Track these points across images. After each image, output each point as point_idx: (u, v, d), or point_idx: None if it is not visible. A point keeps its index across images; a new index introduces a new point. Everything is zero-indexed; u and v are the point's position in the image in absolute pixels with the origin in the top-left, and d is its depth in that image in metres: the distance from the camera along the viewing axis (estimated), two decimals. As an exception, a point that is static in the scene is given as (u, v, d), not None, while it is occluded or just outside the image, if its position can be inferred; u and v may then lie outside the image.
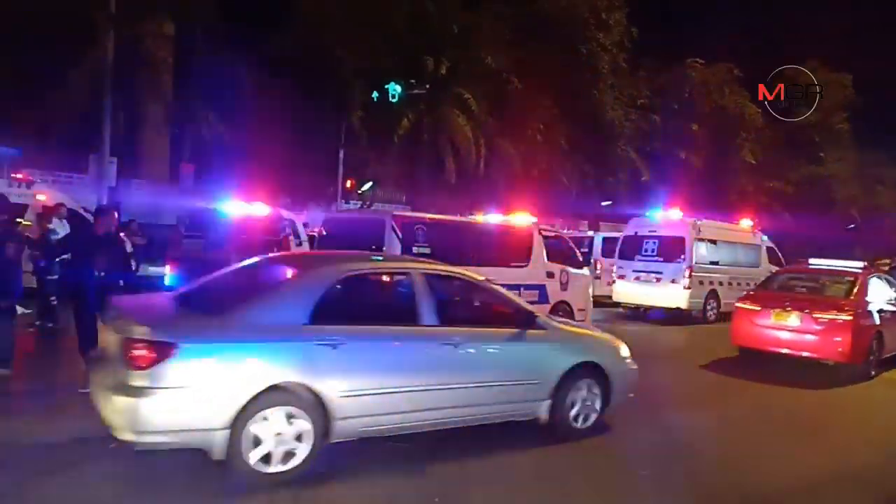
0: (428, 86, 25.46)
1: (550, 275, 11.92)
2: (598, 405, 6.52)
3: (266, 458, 4.80)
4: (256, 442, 4.76)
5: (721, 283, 17.10)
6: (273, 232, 11.38)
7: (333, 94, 25.22)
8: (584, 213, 37.17)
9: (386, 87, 22.48)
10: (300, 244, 12.91)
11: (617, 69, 34.63)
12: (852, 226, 48.65)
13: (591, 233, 25.22)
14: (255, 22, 24.88)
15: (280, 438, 4.84)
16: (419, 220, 10.40)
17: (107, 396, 4.67)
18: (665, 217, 17.66)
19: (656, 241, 17.08)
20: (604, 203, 36.96)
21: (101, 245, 7.16)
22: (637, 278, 16.92)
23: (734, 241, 18.40)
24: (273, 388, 4.80)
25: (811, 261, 12.84)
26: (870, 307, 10.70)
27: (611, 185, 36.00)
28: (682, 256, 16.41)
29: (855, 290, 10.71)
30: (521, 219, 12.96)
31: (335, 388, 5.00)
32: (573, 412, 6.36)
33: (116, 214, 7.91)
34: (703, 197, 32.43)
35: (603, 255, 19.78)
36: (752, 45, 42.91)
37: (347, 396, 5.06)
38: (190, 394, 4.56)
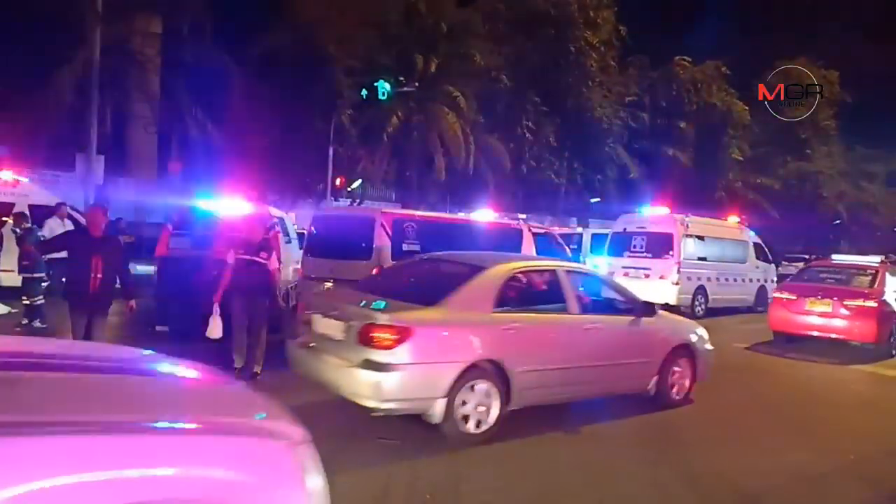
0: (417, 83, 25.45)
1: (540, 271, 11.97)
2: (687, 380, 7.72)
3: (467, 422, 5.83)
4: (463, 408, 5.78)
5: (709, 279, 17.22)
6: (262, 230, 11.32)
7: (323, 91, 25.15)
8: (573, 209, 37.30)
9: (375, 84, 22.44)
10: (289, 242, 12.88)
11: (605, 67, 34.77)
12: (838, 221, 49.05)
13: (579, 229, 25.30)
14: (244, 19, 24.78)
15: (479, 406, 5.88)
16: (409, 218, 10.40)
17: (348, 372, 5.63)
18: (653, 214, 17.76)
19: (645, 237, 17.16)
20: (592, 200, 37.12)
21: (99, 246, 6.80)
22: (626, 274, 16.98)
23: (722, 237, 18.53)
24: (474, 365, 5.84)
25: (834, 256, 15.01)
26: (886, 296, 12.19)
27: (599, 182, 36.16)
28: (671, 252, 16.50)
29: (877, 281, 12.29)
30: (510, 216, 13.01)
31: (515, 364, 6.03)
32: (673, 386, 7.56)
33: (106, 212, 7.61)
34: (691, 193, 32.61)
35: (592, 252, 19.86)
36: (740, 44, 43.27)
37: (524, 372, 6.10)
38: (420, 369, 5.61)
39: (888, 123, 46.79)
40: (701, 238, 17.44)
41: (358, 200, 30.60)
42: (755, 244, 19.70)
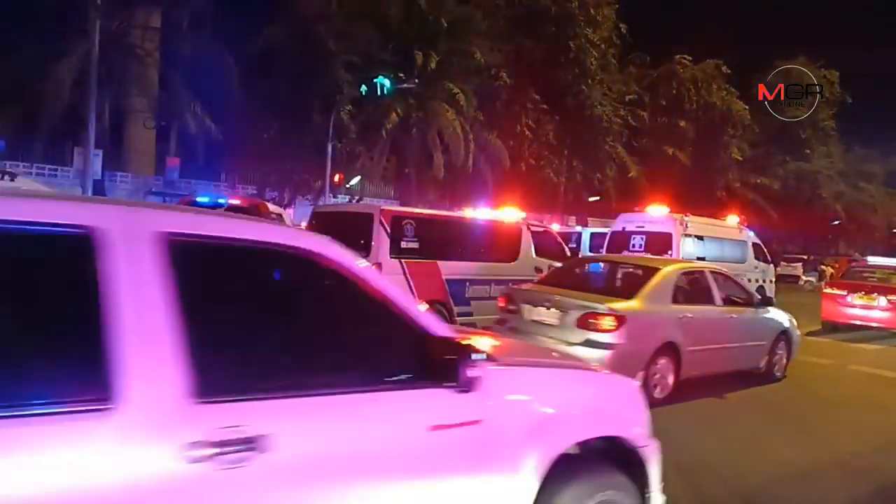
0: (417, 80, 25.40)
1: (538, 270, 11.92)
2: (785, 359, 9.60)
3: (654, 389, 7.33)
4: (653, 378, 7.35)
5: (708, 279, 17.21)
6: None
7: (322, 87, 25.08)
8: (573, 208, 37.28)
9: (375, 80, 22.40)
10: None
11: (606, 65, 34.73)
12: (837, 222, 49.09)
13: (578, 228, 25.27)
14: (244, 14, 24.69)
15: (661, 376, 7.48)
16: (407, 215, 10.36)
17: (568, 350, 6.63)
18: (652, 213, 17.71)
19: (644, 236, 17.09)
20: (592, 198, 37.11)
21: None
22: (625, 273, 16.97)
23: (721, 236, 18.48)
24: (662, 345, 7.46)
25: (869, 259, 18.16)
26: None
27: (599, 181, 36.13)
28: (670, 252, 16.46)
29: None
30: (510, 214, 12.97)
31: (685, 345, 7.67)
32: (775, 364, 9.44)
33: None
34: (690, 193, 32.64)
35: (590, 251, 19.83)
36: (741, 43, 43.25)
37: (690, 351, 7.71)
38: (630, 347, 7.06)
39: (887, 124, 46.89)
40: (700, 238, 17.39)
41: (357, 197, 30.58)
42: (754, 244, 19.67)
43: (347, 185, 30.68)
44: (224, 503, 1.96)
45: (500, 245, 11.70)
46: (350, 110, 26.35)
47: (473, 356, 2.47)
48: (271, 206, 13.40)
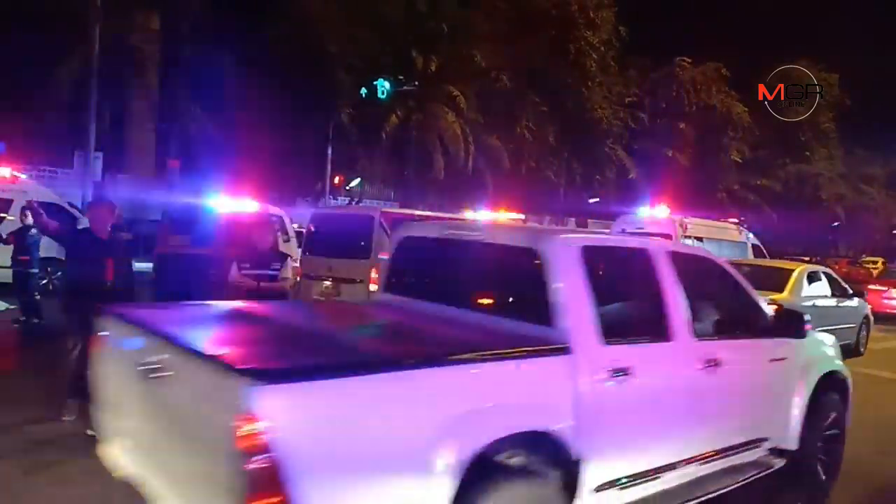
0: (417, 83, 25.45)
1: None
2: (866, 338, 12.60)
3: None
4: None
5: (707, 281, 17.22)
6: (272, 233, 11.30)
7: (322, 89, 25.12)
8: (572, 210, 37.29)
9: (375, 83, 22.45)
10: (288, 240, 12.86)
11: (605, 67, 34.73)
12: (837, 224, 49.07)
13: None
14: (244, 16, 24.72)
15: None
16: (407, 217, 10.36)
17: None
18: (652, 215, 17.72)
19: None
20: (591, 200, 37.11)
21: (108, 249, 5.73)
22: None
23: (720, 238, 18.48)
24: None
25: None
26: None
27: (598, 183, 36.14)
28: (669, 254, 16.50)
29: None
30: (510, 216, 12.95)
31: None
32: (861, 341, 12.35)
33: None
34: (689, 195, 32.61)
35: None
36: (740, 45, 43.28)
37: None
38: None
39: (888, 126, 46.84)
40: (700, 239, 17.39)
41: (357, 199, 30.61)
42: (753, 246, 19.68)
43: (347, 187, 30.74)
44: (616, 404, 3.47)
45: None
46: (350, 112, 26.41)
47: (805, 318, 4.70)
48: (272, 208, 13.39)
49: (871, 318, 13.38)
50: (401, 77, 24.76)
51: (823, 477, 5.06)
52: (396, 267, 4.77)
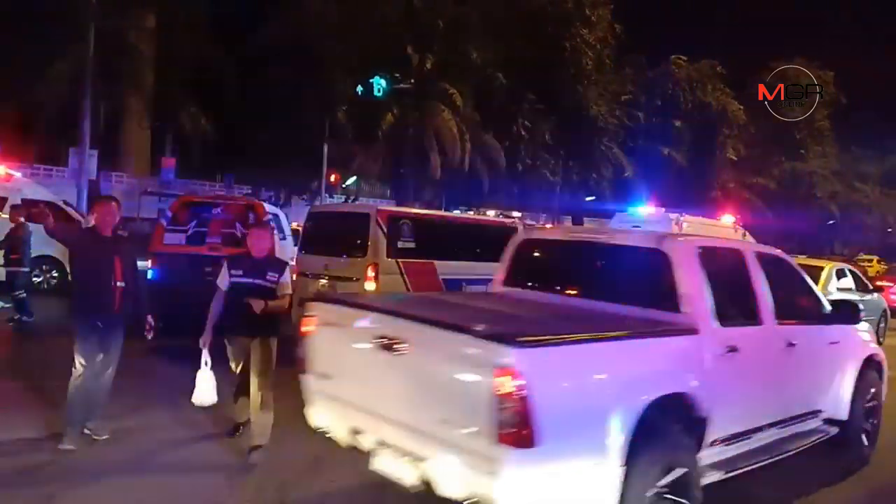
0: (413, 81, 25.41)
1: (535, 270, 11.95)
2: (885, 330, 13.19)
3: None
4: None
5: (703, 279, 17.24)
6: (269, 238, 11.25)
7: (318, 87, 25.08)
8: (569, 208, 37.31)
9: (371, 81, 22.38)
10: (284, 239, 12.82)
11: (601, 65, 34.74)
12: (832, 222, 49.22)
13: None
14: (239, 14, 24.68)
15: None
16: (404, 215, 10.34)
17: None
18: (648, 213, 17.74)
19: (640, 236, 17.17)
20: (587, 198, 37.14)
21: (114, 248, 5.45)
22: (620, 273, 16.98)
23: (716, 236, 18.53)
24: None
25: None
26: None
27: (595, 181, 36.17)
28: (665, 252, 16.51)
29: None
30: (508, 215, 12.95)
31: None
32: (880, 333, 12.39)
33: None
34: (685, 193, 32.68)
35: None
36: (735, 43, 43.35)
37: None
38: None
39: (882, 125, 47.00)
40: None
41: (353, 197, 30.59)
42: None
43: (343, 185, 30.72)
44: (728, 375, 4.34)
45: (496, 245, 11.68)
46: (346, 110, 26.37)
47: (861, 307, 5.88)
48: (267, 207, 13.36)
49: (888, 312, 14.57)
50: (397, 75, 24.68)
51: (866, 443, 6.03)
52: (516, 265, 5.77)
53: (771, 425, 4.88)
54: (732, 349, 4.37)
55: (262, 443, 5.19)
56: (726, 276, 4.83)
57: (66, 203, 15.20)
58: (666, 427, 3.81)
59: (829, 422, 5.59)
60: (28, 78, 20.10)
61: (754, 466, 4.65)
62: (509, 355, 3.14)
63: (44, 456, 5.06)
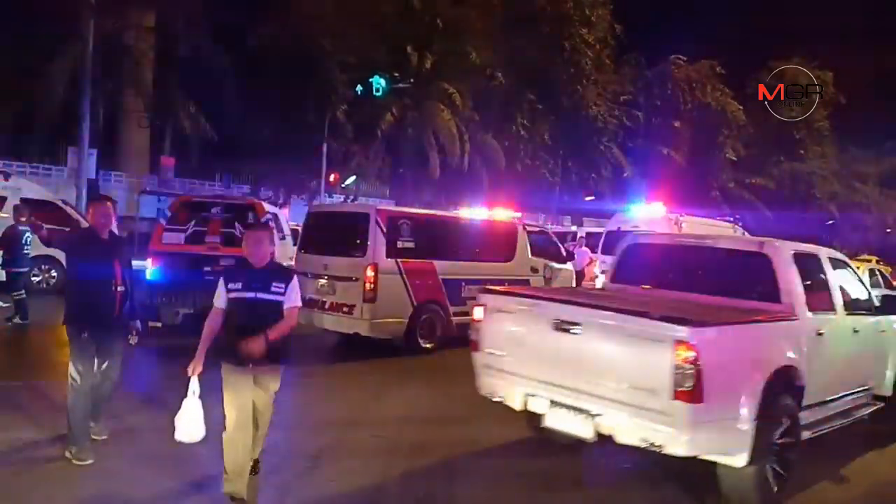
0: (412, 80, 25.40)
1: (534, 270, 11.92)
2: None
3: None
4: None
5: (702, 279, 17.25)
6: (269, 241, 11.23)
7: (317, 86, 25.07)
8: (568, 208, 37.31)
9: (370, 80, 22.37)
10: (283, 238, 12.81)
11: (600, 65, 34.76)
12: (831, 222, 49.23)
13: (574, 228, 25.31)
14: (239, 13, 24.64)
15: None
16: (403, 215, 10.33)
17: None
18: (647, 213, 17.73)
19: (639, 236, 17.17)
20: (587, 198, 37.15)
21: (112, 250, 5.24)
22: (620, 273, 16.96)
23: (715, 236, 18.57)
24: None
25: None
26: None
27: (594, 181, 36.18)
28: (665, 252, 16.51)
29: None
30: (505, 214, 12.95)
31: None
32: None
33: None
34: (684, 192, 32.68)
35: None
36: (734, 43, 43.37)
37: None
38: None
39: (881, 125, 47.02)
40: (695, 237, 17.46)
41: (352, 197, 30.57)
42: (749, 244, 19.77)
43: (343, 185, 30.68)
44: (817, 354, 5.28)
45: (496, 245, 11.68)
46: (345, 110, 26.37)
47: None
48: (267, 206, 13.36)
49: None
50: (396, 74, 24.68)
51: None
52: (625, 264, 6.72)
53: (842, 396, 6.03)
54: (819, 333, 5.48)
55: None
56: (810, 274, 5.81)
57: (64, 202, 15.17)
58: (781, 391, 4.85)
59: (876, 397, 6.67)
60: (27, 77, 20.08)
61: (831, 429, 5.74)
62: (686, 333, 4.18)
63: (42, 456, 5.05)
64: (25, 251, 10.42)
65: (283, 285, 4.37)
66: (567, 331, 4.80)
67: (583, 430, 4.77)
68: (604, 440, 4.70)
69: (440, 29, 27.83)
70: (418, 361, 9.57)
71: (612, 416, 4.55)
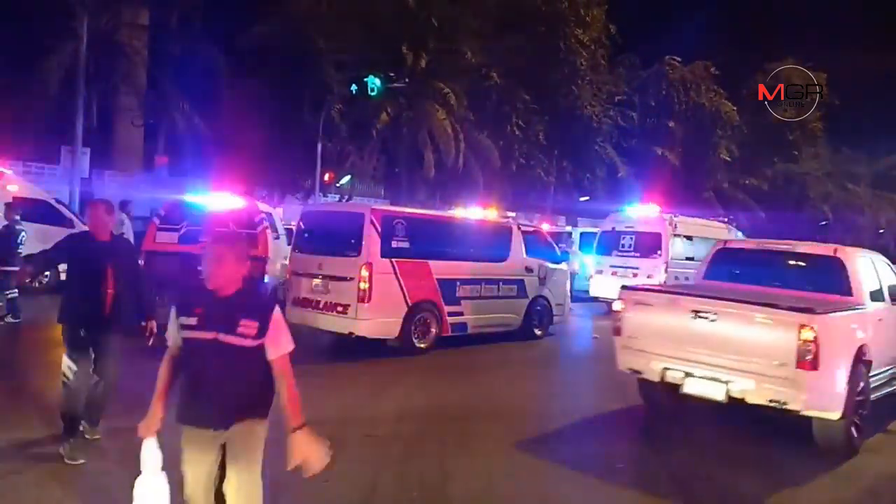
0: (407, 80, 25.35)
1: (529, 269, 11.94)
2: None
3: None
4: None
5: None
6: (250, 225, 11.24)
7: (312, 85, 25.01)
8: (563, 208, 37.33)
9: (365, 80, 22.32)
10: (278, 238, 12.79)
11: (595, 66, 34.77)
12: (824, 223, 49.41)
13: (568, 228, 25.33)
14: (233, 12, 24.59)
15: None
16: (398, 215, 10.34)
17: None
18: (642, 213, 17.77)
19: (633, 236, 17.19)
20: (581, 198, 37.19)
21: (109, 253, 5.20)
22: (614, 273, 17.01)
23: (709, 237, 18.54)
24: None
25: None
26: None
27: (588, 181, 36.21)
28: (659, 252, 16.55)
29: None
30: (500, 214, 12.96)
31: None
32: None
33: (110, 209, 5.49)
34: (679, 193, 32.75)
35: (581, 250, 19.90)
36: (729, 45, 43.47)
37: None
38: None
39: (874, 126, 47.18)
40: (689, 238, 17.49)
41: (346, 196, 30.51)
42: (743, 244, 19.80)
43: (337, 185, 30.62)
44: (877, 335, 6.81)
45: (490, 245, 11.70)
46: (340, 109, 26.29)
47: None
48: (261, 206, 13.32)
49: None
50: (391, 74, 24.61)
51: None
52: (715, 265, 8.27)
53: (889, 369, 7.36)
54: (879, 319, 6.97)
55: None
56: (869, 272, 7.37)
57: (58, 202, 15.12)
58: (860, 363, 6.26)
59: None
60: (20, 75, 19.97)
61: (883, 395, 7.17)
62: (808, 319, 5.69)
63: (35, 457, 5.03)
64: (18, 250, 10.37)
65: (255, 322, 3.02)
66: (705, 318, 6.25)
67: (716, 394, 6.15)
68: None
69: (435, 28, 27.78)
70: (413, 361, 9.58)
71: (742, 382, 5.97)
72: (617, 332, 6.96)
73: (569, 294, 13.48)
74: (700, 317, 6.23)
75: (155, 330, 5.29)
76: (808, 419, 6.07)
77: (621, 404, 7.72)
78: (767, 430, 7.38)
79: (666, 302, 6.80)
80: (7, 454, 5.05)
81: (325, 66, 25.00)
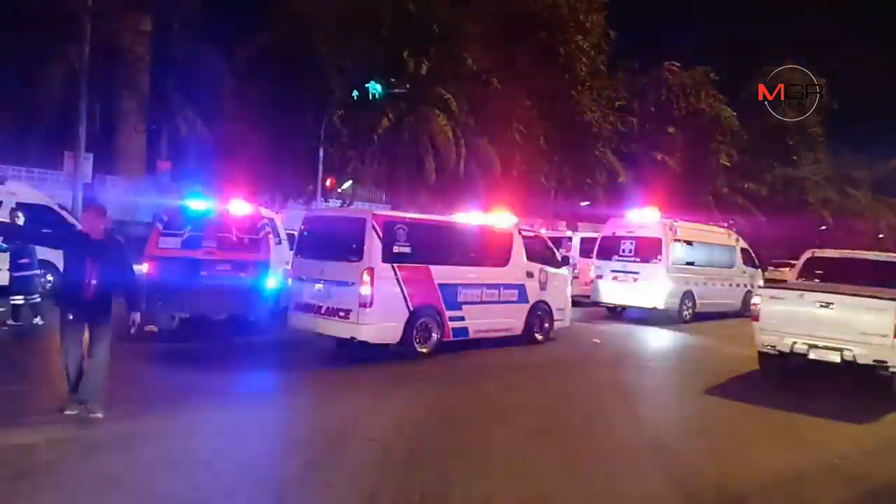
0: (408, 85, 25.44)
1: (530, 274, 11.99)
2: None
3: None
4: None
5: (696, 284, 17.32)
6: (252, 230, 11.31)
7: (313, 91, 25.10)
8: (563, 213, 37.38)
9: (366, 85, 22.42)
10: (279, 243, 12.86)
11: (595, 71, 34.86)
12: (824, 227, 49.42)
13: (569, 233, 25.37)
14: (236, 18, 24.70)
15: None
16: (400, 220, 10.39)
17: None
18: (642, 218, 17.81)
19: (633, 241, 17.24)
20: (582, 203, 37.24)
21: (97, 249, 6.06)
22: (615, 278, 17.07)
23: (709, 242, 18.64)
24: None
25: None
26: None
27: (589, 186, 36.27)
28: (659, 257, 16.61)
29: None
30: (502, 218, 13.02)
31: None
32: None
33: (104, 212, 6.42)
34: (679, 198, 32.79)
35: (581, 255, 19.95)
36: (729, 50, 43.57)
37: None
38: None
39: (873, 130, 47.26)
40: (689, 243, 17.55)
41: (348, 201, 30.57)
42: (742, 249, 19.84)
43: (339, 190, 30.67)
44: None
45: (491, 250, 11.75)
46: (342, 115, 26.37)
47: None
48: (263, 211, 13.40)
49: None
50: (392, 79, 24.71)
51: None
52: (807, 269, 10.86)
53: None
54: None
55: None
56: None
57: (61, 206, 15.19)
58: None
59: None
60: (24, 81, 20.07)
61: None
62: None
63: (34, 461, 5.08)
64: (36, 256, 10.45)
65: None
66: (826, 306, 8.92)
67: (833, 358, 8.81)
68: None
69: (436, 34, 27.89)
70: (414, 366, 9.62)
71: (853, 350, 8.61)
72: (755, 318, 9.65)
73: (569, 298, 13.52)
74: (824, 305, 8.92)
75: (137, 321, 6.35)
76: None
77: (622, 405, 7.74)
78: (762, 423, 7.48)
79: (796, 296, 9.43)
80: (7, 458, 5.11)
81: (326, 72, 25.09)
